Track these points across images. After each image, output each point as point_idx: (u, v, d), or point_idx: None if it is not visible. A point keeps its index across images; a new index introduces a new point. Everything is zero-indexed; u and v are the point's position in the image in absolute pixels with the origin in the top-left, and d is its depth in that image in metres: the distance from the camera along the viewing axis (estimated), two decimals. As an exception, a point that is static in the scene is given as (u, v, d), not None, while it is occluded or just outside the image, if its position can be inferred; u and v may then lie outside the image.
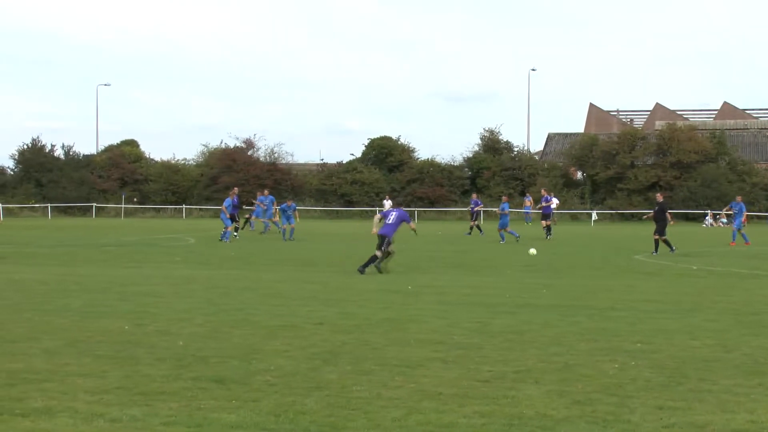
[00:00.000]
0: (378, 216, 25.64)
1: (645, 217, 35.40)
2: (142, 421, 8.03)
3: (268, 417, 8.20)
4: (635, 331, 13.35)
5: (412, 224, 25.52)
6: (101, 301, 16.75)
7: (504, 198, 42.08)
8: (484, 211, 53.09)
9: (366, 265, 23.29)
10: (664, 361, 11.05)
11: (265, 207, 45.45)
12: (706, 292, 19.12)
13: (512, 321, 14.42)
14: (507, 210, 39.52)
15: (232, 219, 40.22)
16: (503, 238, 38.82)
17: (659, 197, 35.50)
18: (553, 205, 46.33)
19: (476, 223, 46.26)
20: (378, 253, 23.69)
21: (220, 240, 38.05)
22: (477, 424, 8.02)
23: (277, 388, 9.34)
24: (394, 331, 13.26)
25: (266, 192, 46.98)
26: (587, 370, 10.45)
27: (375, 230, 24.80)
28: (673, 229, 55.73)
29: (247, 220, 47.52)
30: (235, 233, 40.48)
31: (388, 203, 70.09)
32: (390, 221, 24.38)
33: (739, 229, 38.11)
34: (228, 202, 39.65)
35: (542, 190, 48.09)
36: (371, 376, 9.97)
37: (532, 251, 27.22)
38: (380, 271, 23.27)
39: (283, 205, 41.54)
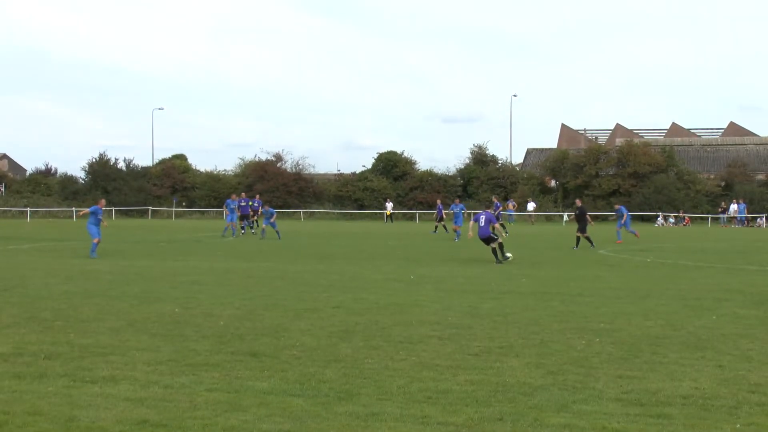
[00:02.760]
0: (471, 222, 25.96)
1: (569, 218, 34.59)
2: (189, 388, 8.03)
3: (294, 385, 8.20)
4: (600, 314, 13.32)
5: (497, 225, 25.56)
6: (155, 288, 16.76)
7: (456, 200, 41.76)
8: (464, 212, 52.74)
9: (498, 260, 24.14)
10: (623, 338, 11.03)
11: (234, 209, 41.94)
12: (659, 281, 19.06)
13: (497, 305, 14.39)
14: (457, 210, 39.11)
15: (244, 217, 40.91)
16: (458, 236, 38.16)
17: (578, 202, 35.61)
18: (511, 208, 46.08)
19: (442, 223, 46.36)
20: (495, 245, 24.49)
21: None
22: (468, 390, 8.01)
23: (301, 361, 9.34)
24: (398, 313, 13.24)
25: (234, 197, 43.28)
26: (559, 345, 10.44)
27: (471, 234, 25.57)
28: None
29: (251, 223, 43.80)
30: (242, 230, 40.64)
31: (389, 205, 70.06)
32: (482, 224, 24.76)
33: (621, 228, 37.20)
34: (228, 201, 40.73)
35: (493, 197, 47.76)
36: (380, 351, 9.96)
37: (508, 255, 26.14)
38: (501, 261, 24.00)
39: (263, 209, 40.29)
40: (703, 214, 67.25)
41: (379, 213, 70.28)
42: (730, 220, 64.08)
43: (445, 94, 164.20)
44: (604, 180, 72.43)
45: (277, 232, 37.52)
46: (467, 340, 10.76)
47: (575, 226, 33.45)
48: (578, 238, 32.20)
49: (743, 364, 9.42)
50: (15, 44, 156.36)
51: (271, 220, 37.78)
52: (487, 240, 24.83)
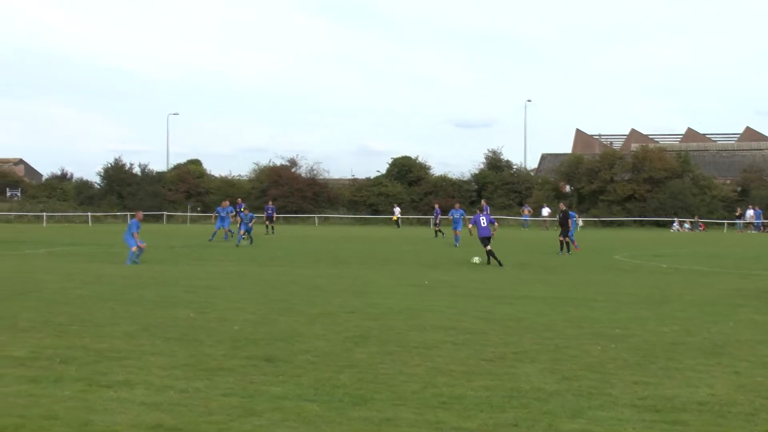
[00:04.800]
0: (470, 225, 27.25)
1: (548, 226, 33.51)
2: (204, 393, 8.04)
3: (309, 390, 8.20)
4: (614, 319, 13.28)
5: (496, 225, 27.57)
6: (170, 292, 16.79)
7: (456, 205, 41.63)
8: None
9: (499, 263, 24.89)
10: (639, 344, 10.98)
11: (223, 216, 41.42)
12: (674, 287, 18.99)
13: (511, 310, 14.37)
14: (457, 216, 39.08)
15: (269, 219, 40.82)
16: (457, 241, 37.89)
17: (562, 206, 34.88)
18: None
19: (438, 227, 46.54)
20: (489, 248, 25.62)
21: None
22: (482, 396, 8.00)
23: (316, 366, 9.34)
24: (412, 318, 13.23)
25: (225, 204, 42.62)
26: (574, 351, 10.41)
27: (471, 233, 27.02)
28: (645, 234, 55.60)
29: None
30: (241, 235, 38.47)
31: (397, 210, 69.99)
32: (483, 225, 26.18)
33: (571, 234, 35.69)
34: (218, 209, 40.95)
35: (483, 201, 47.89)
36: (394, 356, 9.95)
37: (476, 260, 26.40)
38: (501, 264, 24.75)
39: (242, 213, 38.63)
40: (718, 219, 66.96)
41: (398, 218, 70.17)
42: (747, 225, 63.73)
43: (459, 99, 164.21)
44: (619, 185, 72.22)
45: (251, 237, 36.80)
46: (481, 346, 10.74)
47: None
48: (562, 243, 32.01)
49: (760, 370, 9.36)
50: (32, 49, 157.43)
51: (249, 225, 37.09)
52: (487, 240, 25.88)
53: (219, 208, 41.78)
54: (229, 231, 41.55)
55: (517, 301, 15.85)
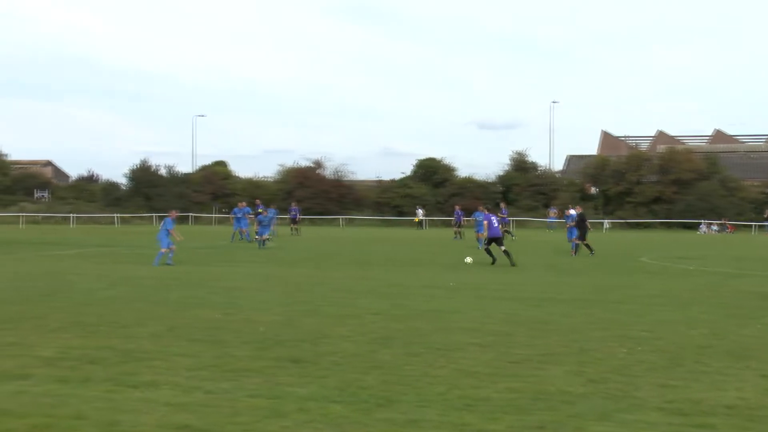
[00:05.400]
0: (485, 223, 27.41)
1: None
2: (231, 394, 8.07)
3: (334, 391, 8.21)
4: (641, 322, 13.20)
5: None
6: (196, 294, 16.87)
7: (480, 207, 41.41)
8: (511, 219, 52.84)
9: (511, 260, 25.69)
10: (666, 347, 10.91)
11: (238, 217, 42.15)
12: (701, 289, 18.85)
13: (537, 312, 14.32)
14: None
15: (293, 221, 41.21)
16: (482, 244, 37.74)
17: (578, 209, 34.53)
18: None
19: (460, 229, 46.55)
20: (503, 248, 26.39)
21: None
22: (508, 398, 7.97)
23: (341, 367, 9.35)
24: (438, 320, 13.22)
25: (241, 204, 43.45)
26: (601, 354, 10.35)
27: (485, 234, 27.22)
28: (672, 236, 55.24)
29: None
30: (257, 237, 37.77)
31: (420, 211, 69.96)
32: (495, 224, 26.89)
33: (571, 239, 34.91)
34: (235, 210, 42.00)
35: (501, 203, 48.14)
36: (419, 358, 9.94)
37: (468, 260, 26.79)
38: (514, 264, 25.39)
39: (260, 216, 38.00)
40: (747, 221, 66.38)
41: (421, 220, 70.10)
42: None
43: (485, 101, 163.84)
44: (646, 187, 71.93)
45: (266, 238, 36.02)
46: (507, 348, 10.71)
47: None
48: (577, 246, 31.77)
49: (789, 373, 9.27)
50: (60, 53, 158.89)
51: (268, 223, 36.77)
52: (499, 240, 26.62)
53: (236, 209, 42.30)
54: (242, 232, 41.87)
55: (543, 303, 15.79)
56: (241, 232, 41.53)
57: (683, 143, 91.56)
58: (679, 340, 11.42)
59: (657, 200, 70.90)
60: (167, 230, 25.70)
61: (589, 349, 10.68)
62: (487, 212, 27.88)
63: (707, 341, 11.40)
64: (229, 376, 8.86)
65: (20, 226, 61.30)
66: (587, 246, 31.65)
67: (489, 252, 26.84)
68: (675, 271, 24.58)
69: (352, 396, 8.01)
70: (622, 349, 10.62)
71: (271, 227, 39.28)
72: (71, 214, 68.35)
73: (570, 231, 35.21)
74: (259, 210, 41.40)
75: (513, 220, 67.21)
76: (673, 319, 13.64)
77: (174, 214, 27.48)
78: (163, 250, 25.24)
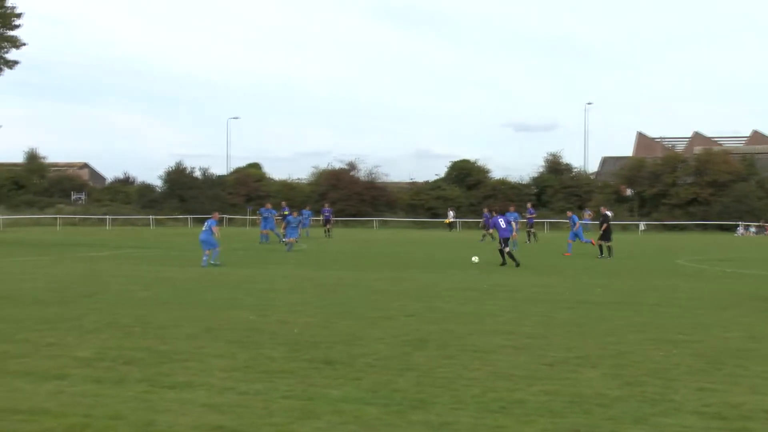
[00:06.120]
0: (492, 224, 28.06)
1: (602, 229, 32.52)
2: (265, 395, 8.10)
3: (368, 393, 8.21)
4: (678, 324, 13.08)
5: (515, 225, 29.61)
6: (231, 295, 16.96)
7: (511, 208, 41.09)
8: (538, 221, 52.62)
9: (515, 261, 26.29)
10: (703, 349, 10.80)
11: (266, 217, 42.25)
12: (739, 292, 18.63)
13: (573, 315, 14.23)
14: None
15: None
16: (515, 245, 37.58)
17: (602, 210, 34.13)
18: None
19: (489, 231, 46.32)
20: (507, 249, 26.89)
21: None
22: (543, 401, 7.93)
23: (375, 369, 9.35)
24: (472, 322, 13.18)
25: (268, 205, 43.59)
26: (637, 356, 10.27)
27: (493, 236, 26.88)
28: (708, 238, 54.66)
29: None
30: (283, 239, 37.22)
31: (451, 213, 69.81)
32: (503, 225, 27.20)
33: (575, 240, 35.24)
34: (262, 210, 42.52)
35: (528, 204, 48.06)
36: (454, 360, 9.92)
37: (475, 259, 27.14)
38: (518, 264, 26.01)
39: (289, 217, 36.65)
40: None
41: (454, 222, 69.94)
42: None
43: (519, 102, 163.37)
44: (682, 189, 71.26)
45: (286, 242, 35.24)
46: (542, 350, 10.66)
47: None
48: (601, 247, 31.37)
49: (829, 378, 9.13)
50: (97, 56, 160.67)
51: (299, 225, 36.43)
52: (506, 241, 27.02)
53: (262, 209, 42.69)
54: (268, 233, 42.13)
55: (578, 305, 15.69)
56: (266, 234, 41.87)
57: (720, 144, 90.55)
58: (717, 344, 11.30)
59: (693, 202, 70.24)
60: (210, 230, 25.91)
61: (625, 351, 10.60)
62: (494, 215, 27.95)
63: (745, 344, 11.27)
64: (264, 377, 8.89)
65: (57, 228, 61.99)
66: (608, 248, 31.29)
67: (501, 253, 27.17)
68: (712, 274, 24.32)
69: (385, 398, 8.00)
70: (658, 352, 10.53)
71: (305, 228, 39.23)
72: (107, 216, 69.00)
73: (573, 232, 35.34)
74: (285, 212, 41.61)
75: (546, 222, 67.03)
76: (710, 322, 13.50)
77: (217, 215, 27.70)
78: (207, 253, 25.56)
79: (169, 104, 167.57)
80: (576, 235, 35.09)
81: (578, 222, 35.69)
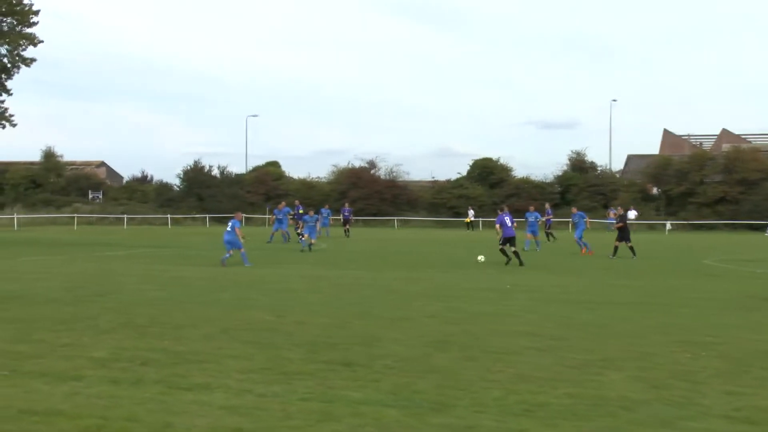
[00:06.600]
0: (498, 225, 27.67)
1: (614, 227, 32.25)
2: (283, 397, 8.10)
3: (388, 395, 8.20)
4: (704, 326, 12.99)
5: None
6: (247, 295, 17.00)
7: (531, 208, 40.79)
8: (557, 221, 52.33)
9: (520, 261, 26.45)
10: (731, 352, 10.71)
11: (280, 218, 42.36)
12: (767, 293, 18.50)
13: (595, 316, 14.17)
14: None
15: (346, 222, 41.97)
16: (535, 245, 37.40)
17: (620, 210, 33.77)
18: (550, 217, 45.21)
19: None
20: (515, 249, 27.00)
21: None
22: (566, 404, 7.89)
23: (395, 371, 9.33)
24: (494, 323, 13.14)
25: (282, 205, 43.74)
26: (662, 359, 10.20)
27: (499, 235, 27.48)
28: (737, 238, 54.26)
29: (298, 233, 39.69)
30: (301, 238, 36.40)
31: (471, 212, 69.69)
32: (508, 224, 27.21)
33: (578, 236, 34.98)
34: (275, 211, 42.68)
35: (546, 204, 47.69)
36: (475, 362, 9.89)
37: (480, 258, 27.24)
38: (523, 264, 26.19)
39: (306, 216, 36.16)
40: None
41: (475, 221, 69.79)
42: None
43: (541, 100, 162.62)
44: (710, 187, 70.78)
45: (306, 243, 34.58)
46: (565, 352, 10.61)
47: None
48: (631, 248, 30.98)
49: None
50: (114, 54, 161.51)
51: (319, 224, 36.47)
52: (512, 240, 27.09)
53: (276, 210, 42.74)
54: (283, 233, 42.41)
55: (601, 306, 15.62)
56: (282, 234, 42.20)
57: (749, 142, 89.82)
58: (745, 346, 11.21)
59: (721, 201, 69.73)
60: (234, 230, 25.97)
61: (650, 353, 10.53)
62: (501, 213, 27.80)
63: (775, 347, 11.17)
64: (281, 379, 8.89)
65: (74, 227, 62.37)
66: (630, 248, 30.91)
67: (504, 252, 27.25)
68: (740, 274, 24.14)
69: (406, 400, 7.99)
70: (685, 355, 10.46)
71: (325, 227, 39.25)
72: (124, 215, 69.36)
73: (578, 229, 35.22)
74: (300, 211, 41.77)
75: (569, 222, 66.66)
76: (738, 323, 13.39)
77: (240, 215, 27.74)
78: (229, 252, 25.67)
79: (186, 102, 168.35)
80: (580, 232, 35.07)
81: (586, 219, 35.68)
